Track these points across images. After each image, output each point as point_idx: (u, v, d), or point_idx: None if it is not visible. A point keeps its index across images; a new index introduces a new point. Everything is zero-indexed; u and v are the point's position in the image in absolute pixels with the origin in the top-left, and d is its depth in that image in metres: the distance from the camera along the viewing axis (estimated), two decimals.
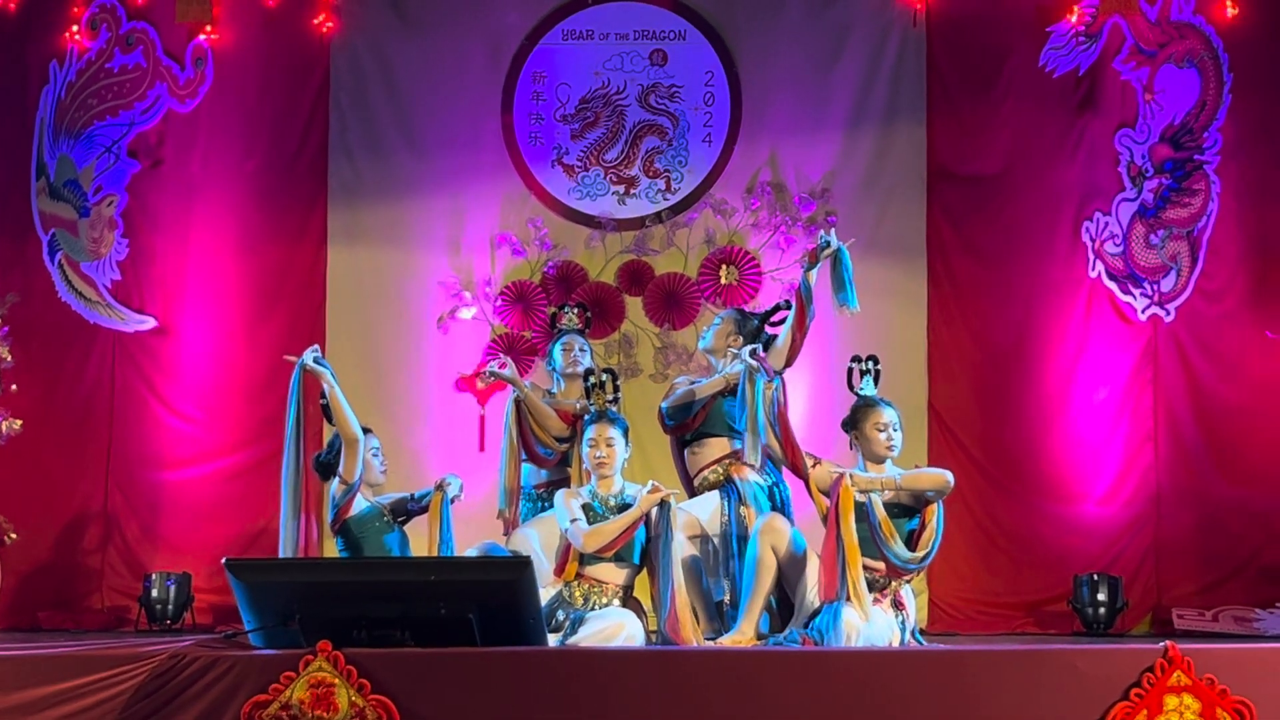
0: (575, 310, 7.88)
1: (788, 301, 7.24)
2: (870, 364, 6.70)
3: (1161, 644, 5.40)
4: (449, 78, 9.56)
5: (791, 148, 9.48)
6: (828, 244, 7.01)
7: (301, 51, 9.52)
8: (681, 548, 6.62)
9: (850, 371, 6.72)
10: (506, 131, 9.55)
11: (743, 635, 6.45)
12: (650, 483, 6.59)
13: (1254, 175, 9.08)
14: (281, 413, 7.24)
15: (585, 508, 6.63)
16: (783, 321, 7.19)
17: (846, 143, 9.44)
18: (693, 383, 7.26)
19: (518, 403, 7.36)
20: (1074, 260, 9.31)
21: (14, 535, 8.53)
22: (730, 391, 6.99)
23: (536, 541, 6.98)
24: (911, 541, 6.36)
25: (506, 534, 7.23)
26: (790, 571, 6.49)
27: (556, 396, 7.61)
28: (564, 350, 7.68)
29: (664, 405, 7.27)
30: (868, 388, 6.67)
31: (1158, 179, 9.18)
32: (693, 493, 7.12)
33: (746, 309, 8.11)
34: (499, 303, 9.44)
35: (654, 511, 6.55)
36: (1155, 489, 9.12)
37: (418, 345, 9.44)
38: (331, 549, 7.03)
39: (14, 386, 8.89)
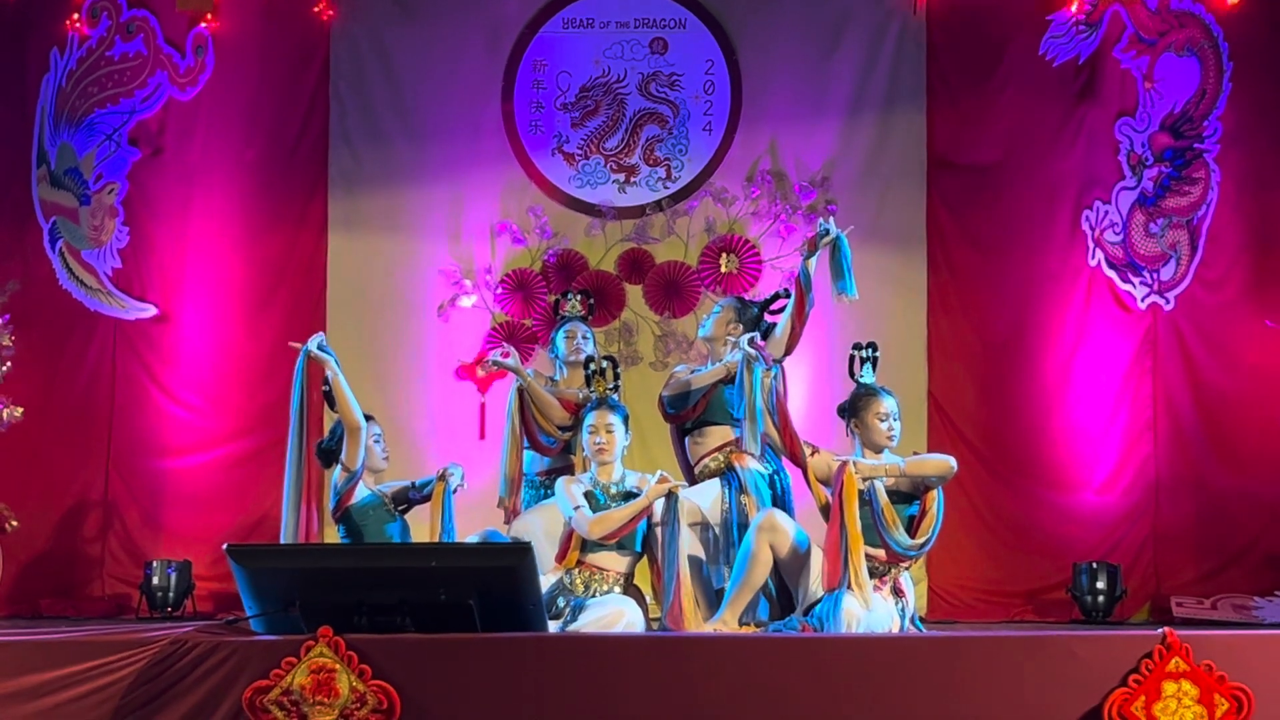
0: (578, 298, 7.88)
1: (787, 290, 7.24)
2: (870, 351, 6.71)
3: (1160, 630, 5.42)
4: (449, 66, 9.55)
5: (791, 136, 9.48)
6: (827, 232, 7.01)
7: (301, 39, 9.52)
8: (687, 540, 6.63)
9: (852, 359, 6.73)
10: (507, 119, 9.55)
11: (724, 624, 6.46)
12: (659, 472, 6.60)
13: (1254, 164, 9.09)
14: (282, 400, 7.25)
15: (587, 495, 6.65)
16: (782, 310, 7.19)
17: (846, 131, 9.45)
18: (693, 371, 7.26)
19: (520, 391, 7.37)
20: (1074, 249, 9.33)
21: (15, 523, 8.54)
22: (730, 380, 6.99)
23: (540, 528, 6.99)
24: (911, 528, 6.37)
25: (508, 522, 7.24)
26: (792, 565, 6.49)
27: (559, 384, 7.61)
28: (567, 338, 7.69)
29: (664, 394, 7.28)
30: (867, 375, 6.68)
31: (1157, 167, 9.19)
32: (693, 481, 7.12)
33: (746, 297, 8.11)
34: (499, 291, 9.44)
35: (659, 501, 6.56)
36: (1154, 477, 9.13)
37: (418, 333, 9.45)
38: (332, 536, 7.04)
39: (6, 366, 8.86)
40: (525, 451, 7.42)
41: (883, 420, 6.51)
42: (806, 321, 7.08)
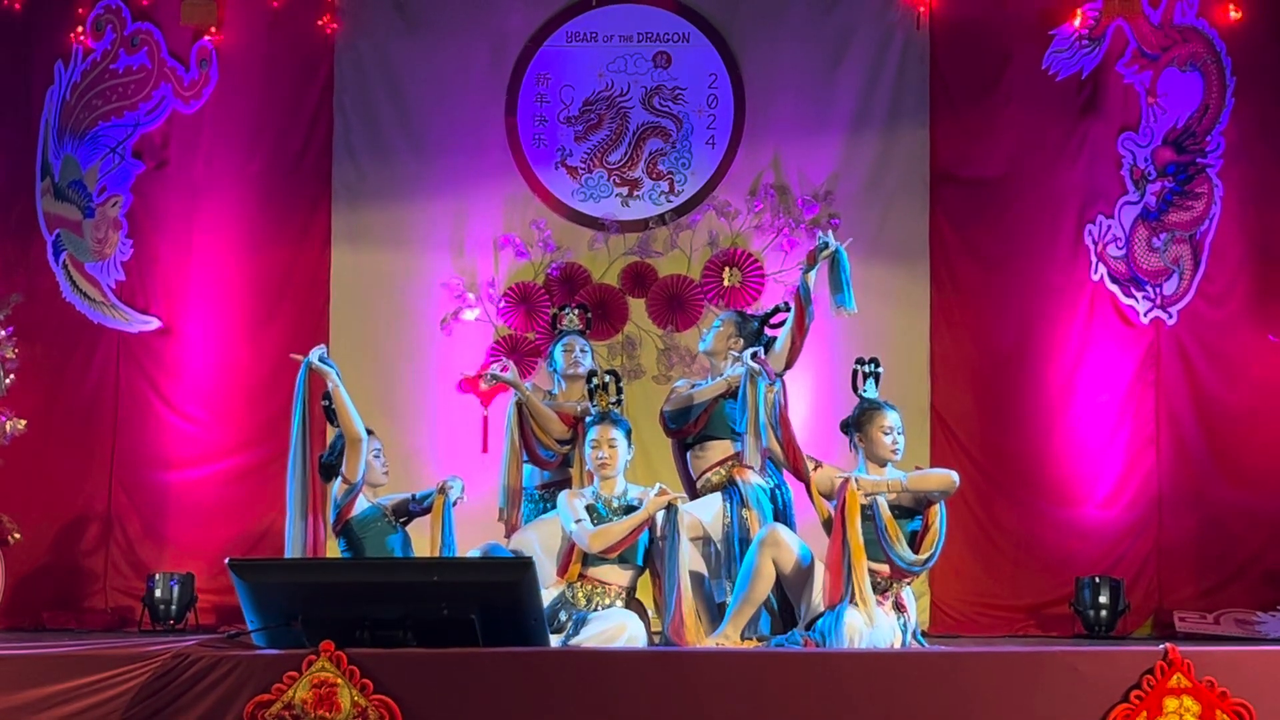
0: (576, 311, 7.89)
1: (787, 304, 7.25)
2: (873, 366, 6.73)
3: (1161, 646, 5.42)
4: (452, 79, 9.56)
5: (795, 150, 9.49)
6: (826, 245, 7.03)
7: (305, 53, 9.53)
8: (687, 552, 6.63)
9: (855, 374, 6.74)
10: (510, 133, 9.56)
11: (726, 638, 6.46)
12: (657, 485, 6.61)
13: (1256, 178, 9.09)
14: (285, 413, 7.26)
15: (589, 508, 6.65)
16: (782, 323, 7.20)
17: (849, 145, 9.45)
18: (694, 386, 7.27)
19: (519, 405, 7.38)
20: (1076, 263, 9.32)
21: (18, 535, 8.53)
22: (732, 394, 7.00)
23: (538, 543, 6.99)
24: (914, 543, 6.37)
25: (508, 535, 7.24)
26: (794, 580, 6.49)
27: (557, 398, 7.62)
28: (565, 351, 7.70)
29: (665, 409, 7.29)
30: (870, 390, 6.69)
31: (1160, 182, 9.19)
32: (695, 495, 7.13)
33: (748, 311, 8.12)
34: (502, 304, 9.45)
35: (660, 514, 6.56)
36: (1157, 492, 9.12)
37: (421, 346, 9.45)
38: (333, 550, 7.04)
39: (10, 379, 8.85)
40: (525, 465, 7.43)
41: (887, 434, 6.52)
42: (806, 335, 7.09)
